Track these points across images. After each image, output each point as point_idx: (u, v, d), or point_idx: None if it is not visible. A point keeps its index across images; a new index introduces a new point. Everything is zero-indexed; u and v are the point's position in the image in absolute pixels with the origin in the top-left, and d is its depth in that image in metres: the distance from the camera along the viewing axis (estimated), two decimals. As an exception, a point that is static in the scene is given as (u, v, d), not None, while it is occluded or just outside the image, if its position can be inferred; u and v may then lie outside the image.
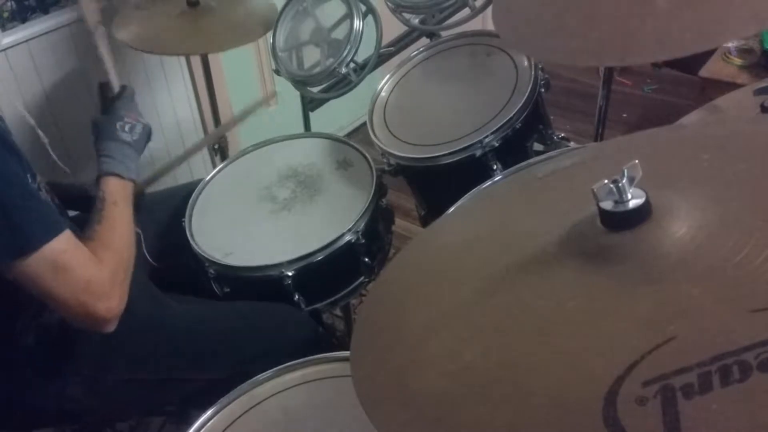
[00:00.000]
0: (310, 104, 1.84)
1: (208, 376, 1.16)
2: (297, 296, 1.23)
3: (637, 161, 0.56)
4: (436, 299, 0.66)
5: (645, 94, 2.89)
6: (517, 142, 1.30)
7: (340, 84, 1.53)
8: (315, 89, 1.57)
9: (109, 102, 1.23)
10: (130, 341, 1.12)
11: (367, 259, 1.28)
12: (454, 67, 1.48)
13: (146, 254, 1.28)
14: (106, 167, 1.12)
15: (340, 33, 1.50)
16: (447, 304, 0.64)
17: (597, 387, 0.45)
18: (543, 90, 1.34)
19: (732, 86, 1.98)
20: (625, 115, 2.73)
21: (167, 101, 2.06)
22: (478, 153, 1.25)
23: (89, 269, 0.95)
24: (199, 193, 1.41)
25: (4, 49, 1.65)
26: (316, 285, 1.25)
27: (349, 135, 2.56)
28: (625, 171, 0.55)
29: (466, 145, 1.24)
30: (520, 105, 1.25)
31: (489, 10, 1.33)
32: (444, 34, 1.56)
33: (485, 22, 2.01)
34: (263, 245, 1.26)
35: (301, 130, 1.87)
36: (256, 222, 1.33)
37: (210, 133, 2.01)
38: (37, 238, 0.89)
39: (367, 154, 1.39)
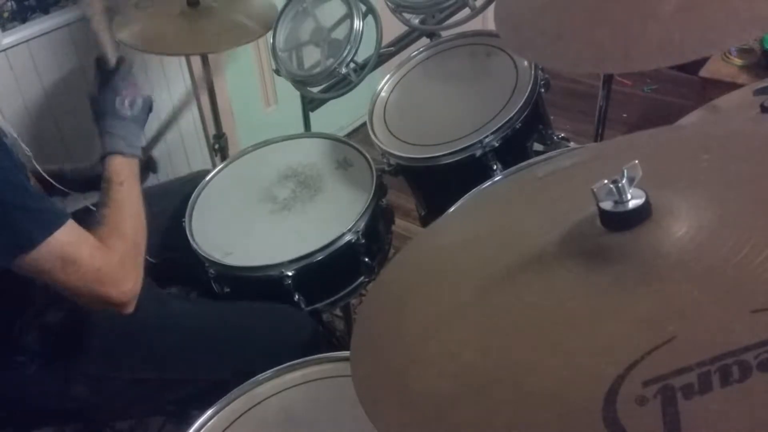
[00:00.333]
0: (310, 104, 1.85)
1: (208, 376, 1.16)
2: (297, 296, 1.23)
3: (637, 161, 0.56)
4: (436, 299, 0.66)
5: (645, 94, 2.89)
6: (517, 142, 1.30)
7: (340, 84, 1.53)
8: (315, 89, 1.57)
9: (106, 76, 1.19)
10: (133, 341, 1.12)
11: (367, 259, 1.28)
12: (454, 67, 1.48)
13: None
14: (109, 146, 1.10)
15: (340, 33, 1.51)
16: (447, 304, 0.64)
17: (597, 387, 0.45)
18: (543, 90, 1.34)
19: (732, 86, 1.97)
20: (625, 115, 2.73)
21: (167, 101, 2.06)
22: (478, 153, 1.25)
23: (97, 257, 0.95)
24: (199, 193, 1.41)
25: (4, 49, 1.65)
26: (316, 285, 1.25)
27: (349, 135, 2.56)
28: (625, 171, 0.55)
29: (466, 145, 1.25)
30: (520, 105, 1.25)
31: (489, 10, 1.33)
32: (444, 34, 1.57)
33: (485, 22, 2.01)
34: (263, 245, 1.26)
35: (301, 130, 1.87)
36: (256, 222, 1.33)
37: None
38: (38, 234, 0.89)
39: (367, 154, 1.39)
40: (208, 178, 1.44)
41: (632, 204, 0.55)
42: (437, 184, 1.40)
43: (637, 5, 0.94)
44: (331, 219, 1.27)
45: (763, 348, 0.42)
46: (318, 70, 1.51)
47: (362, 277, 1.30)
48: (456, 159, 1.26)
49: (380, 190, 1.32)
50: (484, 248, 0.71)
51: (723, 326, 0.46)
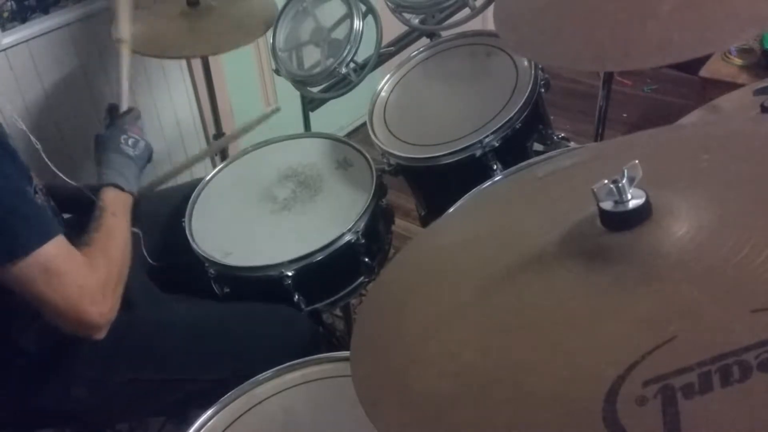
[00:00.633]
0: (310, 104, 1.85)
1: (209, 377, 1.16)
2: (297, 296, 1.23)
3: (637, 161, 0.56)
4: (436, 299, 0.66)
5: (645, 94, 2.89)
6: (517, 142, 1.30)
7: (340, 84, 1.53)
8: (315, 89, 1.57)
9: (116, 120, 1.25)
10: (133, 342, 1.12)
11: (367, 259, 1.28)
12: (454, 67, 1.48)
13: (146, 254, 1.28)
14: (108, 178, 1.13)
15: (340, 33, 1.51)
16: (447, 304, 0.64)
17: (597, 387, 0.45)
18: (543, 90, 1.34)
19: (732, 86, 1.97)
20: (625, 115, 2.73)
21: (168, 103, 2.06)
22: (478, 153, 1.25)
23: (82, 274, 0.95)
24: (199, 193, 1.41)
25: (4, 49, 1.65)
26: (316, 285, 1.25)
27: (349, 135, 2.56)
28: (625, 171, 0.55)
29: (466, 145, 1.24)
30: (520, 105, 1.25)
31: (489, 10, 1.33)
32: (444, 34, 1.56)
33: (485, 22, 2.01)
34: (263, 245, 1.26)
35: (301, 130, 1.87)
36: (256, 222, 1.32)
37: (211, 144, 2.01)
38: (29, 243, 0.89)
39: (367, 154, 1.39)
40: (208, 178, 1.44)
41: (632, 204, 0.55)
42: (437, 184, 1.40)
43: (636, 4, 0.94)
44: (331, 219, 1.27)
45: (763, 348, 0.42)
46: (318, 70, 1.51)
47: (362, 277, 1.30)
48: (456, 159, 1.26)
49: (380, 190, 1.32)
50: (484, 248, 0.71)
51: (723, 326, 0.46)
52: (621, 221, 0.56)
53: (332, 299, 1.29)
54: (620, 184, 0.55)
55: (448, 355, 0.58)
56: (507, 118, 1.24)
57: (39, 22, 1.70)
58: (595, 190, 0.56)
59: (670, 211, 0.56)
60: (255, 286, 1.24)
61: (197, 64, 1.98)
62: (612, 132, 1.46)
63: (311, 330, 1.24)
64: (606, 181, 0.56)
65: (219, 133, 1.85)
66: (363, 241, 1.24)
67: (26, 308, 1.04)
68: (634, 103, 2.82)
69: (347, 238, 1.22)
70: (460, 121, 1.33)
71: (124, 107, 1.28)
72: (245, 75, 2.33)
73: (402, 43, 1.85)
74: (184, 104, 2.12)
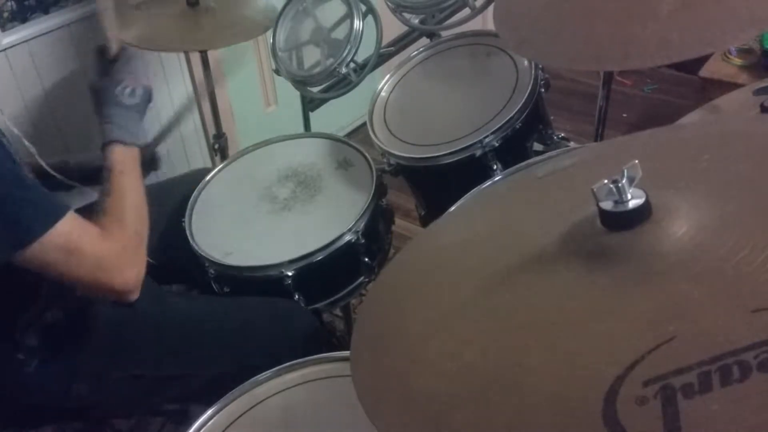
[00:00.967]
0: (310, 104, 1.85)
1: (211, 371, 1.16)
2: (297, 296, 1.23)
3: (637, 161, 0.56)
4: (436, 299, 0.66)
5: (645, 94, 2.89)
6: (517, 142, 1.30)
7: (340, 84, 1.53)
8: (315, 89, 1.57)
9: (106, 65, 1.19)
10: (134, 338, 1.12)
11: (367, 259, 1.28)
12: (454, 67, 1.48)
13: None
14: (110, 135, 1.10)
15: (340, 33, 1.51)
16: (447, 304, 0.64)
17: (597, 387, 0.45)
18: (543, 90, 1.34)
19: (732, 86, 1.97)
20: (625, 115, 2.73)
21: (167, 100, 2.06)
22: (478, 153, 1.25)
23: (99, 246, 0.96)
24: (199, 193, 1.41)
25: (4, 49, 1.65)
26: (316, 285, 1.25)
27: (349, 135, 2.56)
28: (625, 171, 0.55)
29: (466, 145, 1.24)
30: (520, 105, 1.25)
31: (489, 10, 1.33)
32: (444, 34, 1.56)
33: (485, 22, 2.01)
34: (263, 245, 1.26)
35: (301, 130, 1.87)
36: (256, 222, 1.33)
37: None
38: (38, 226, 0.89)
39: (367, 154, 1.39)
40: (208, 177, 1.44)
41: (632, 204, 0.55)
42: (437, 184, 1.40)
43: (636, 4, 0.94)
44: (331, 219, 1.27)
45: (763, 348, 0.42)
46: (318, 70, 1.51)
47: (362, 277, 1.30)
48: (456, 159, 1.26)
49: (380, 190, 1.32)
50: (484, 248, 0.71)
51: (723, 326, 0.46)
52: (621, 221, 0.56)
53: (332, 299, 1.29)
54: (620, 184, 0.55)
55: (448, 355, 0.58)
56: (507, 118, 1.24)
57: (39, 22, 1.70)
58: (595, 190, 0.56)
59: (670, 211, 0.56)
60: (255, 285, 1.24)
61: (197, 64, 1.98)
62: (612, 132, 1.46)
63: (312, 323, 1.24)
64: (606, 181, 0.56)
65: (219, 133, 1.85)
66: (363, 241, 1.24)
67: (31, 306, 1.04)
68: (634, 103, 2.82)
69: (347, 238, 1.22)
70: (460, 121, 1.33)
71: (114, 49, 1.20)
72: (245, 75, 2.33)
73: (402, 43, 1.85)
74: (184, 104, 2.12)
